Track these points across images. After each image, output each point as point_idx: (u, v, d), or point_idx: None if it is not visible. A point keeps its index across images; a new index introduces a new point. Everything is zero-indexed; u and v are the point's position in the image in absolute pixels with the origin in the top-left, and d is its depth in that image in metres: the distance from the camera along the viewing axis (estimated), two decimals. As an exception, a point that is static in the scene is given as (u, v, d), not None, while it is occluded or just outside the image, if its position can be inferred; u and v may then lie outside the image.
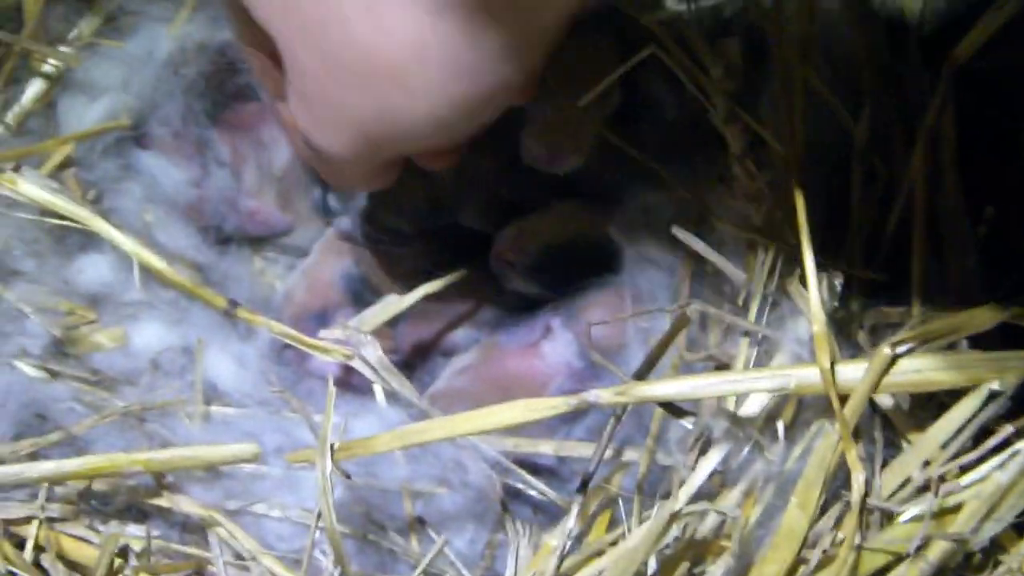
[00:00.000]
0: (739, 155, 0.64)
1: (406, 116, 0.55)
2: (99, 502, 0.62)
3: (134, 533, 0.61)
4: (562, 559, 0.57)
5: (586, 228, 0.72)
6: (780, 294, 0.60)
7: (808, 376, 0.53)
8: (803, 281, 0.57)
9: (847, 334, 0.59)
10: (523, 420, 0.54)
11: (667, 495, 0.58)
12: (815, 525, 0.53)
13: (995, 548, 0.54)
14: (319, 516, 0.58)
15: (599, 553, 0.58)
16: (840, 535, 0.53)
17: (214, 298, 0.66)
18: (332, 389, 0.57)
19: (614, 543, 0.58)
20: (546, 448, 0.63)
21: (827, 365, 0.53)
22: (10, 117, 0.72)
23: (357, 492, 0.62)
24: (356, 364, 0.65)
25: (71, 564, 0.59)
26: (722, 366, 0.61)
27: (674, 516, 0.53)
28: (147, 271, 0.66)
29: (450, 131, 0.57)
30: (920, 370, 0.52)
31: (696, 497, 0.56)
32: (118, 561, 0.59)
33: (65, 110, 0.72)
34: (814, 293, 0.54)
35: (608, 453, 0.59)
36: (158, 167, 0.71)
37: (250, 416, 0.65)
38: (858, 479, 0.52)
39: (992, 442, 0.53)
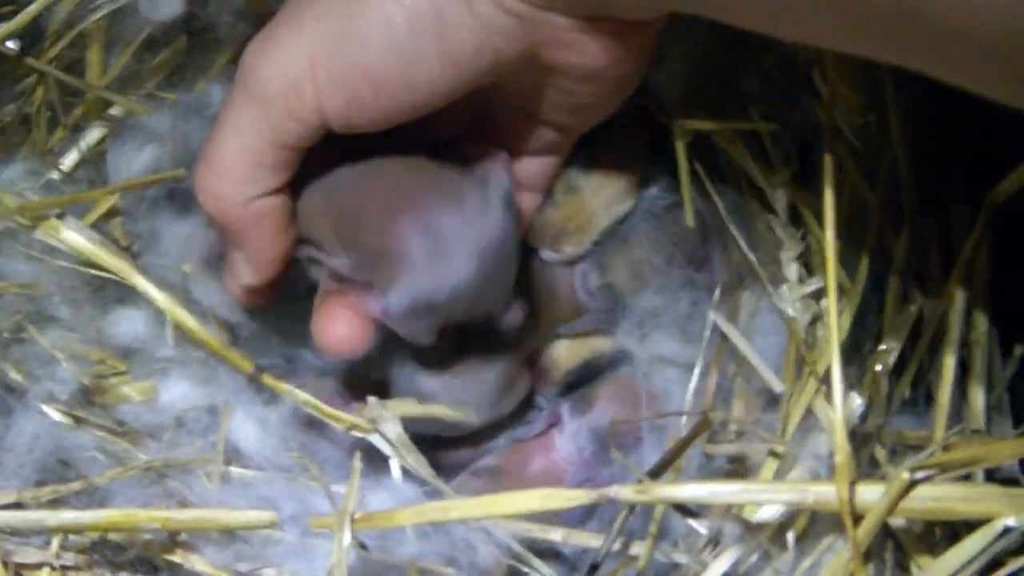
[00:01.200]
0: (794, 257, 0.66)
1: None
2: (112, 552, 0.62)
3: (144, 586, 0.62)
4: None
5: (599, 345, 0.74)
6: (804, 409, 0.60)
7: (826, 493, 0.53)
8: (828, 397, 0.57)
9: (866, 450, 0.60)
10: (541, 509, 0.55)
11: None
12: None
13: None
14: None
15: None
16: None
17: (241, 362, 0.66)
18: (358, 463, 0.57)
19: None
20: (556, 535, 0.63)
21: (846, 487, 0.53)
22: (66, 163, 0.73)
23: (366, 564, 0.62)
24: (375, 439, 0.66)
25: (82, 616, 0.60)
26: (735, 460, 0.62)
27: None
28: (180, 328, 0.67)
29: None
30: (937, 498, 0.53)
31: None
32: (127, 615, 0.60)
33: (114, 158, 0.73)
34: (839, 414, 0.54)
35: (616, 546, 0.59)
36: (195, 221, 0.72)
37: (268, 480, 0.65)
38: (867, 600, 0.53)
39: (1001, 574, 0.53)
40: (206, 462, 0.64)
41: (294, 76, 0.56)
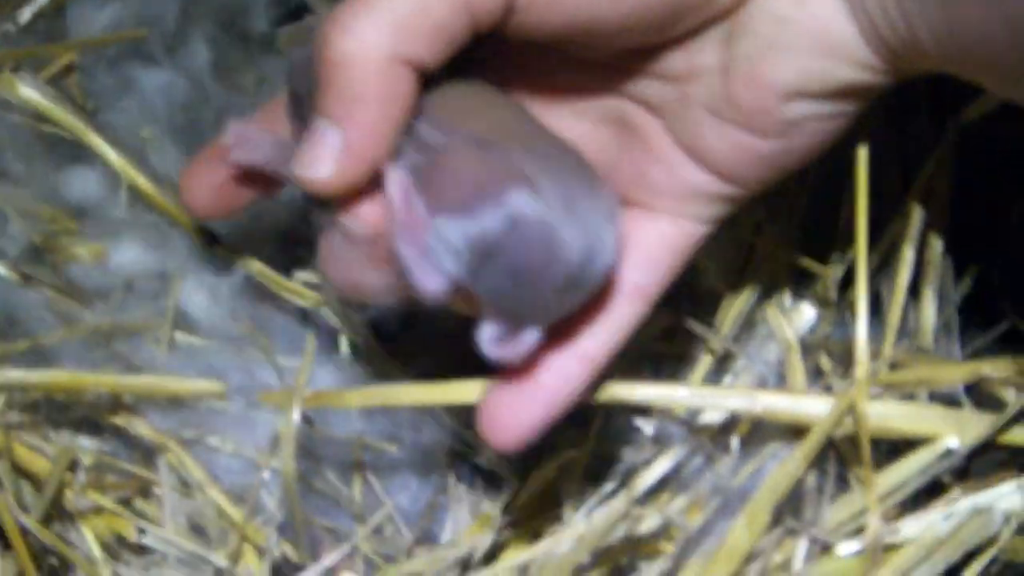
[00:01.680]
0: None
1: None
2: (56, 412, 0.62)
3: (87, 447, 0.62)
4: (499, 531, 0.58)
5: None
6: (755, 314, 0.61)
7: (775, 403, 0.54)
8: (780, 305, 0.58)
9: (812, 358, 0.61)
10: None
11: (614, 489, 0.59)
12: (757, 545, 0.55)
13: (924, 593, 0.56)
14: (270, 456, 0.59)
15: (537, 533, 0.59)
16: (778, 558, 0.55)
17: (195, 227, 0.66)
18: (312, 343, 0.57)
19: (550, 522, 0.59)
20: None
21: (795, 398, 0.54)
22: (23, 17, 0.71)
23: (309, 438, 0.62)
24: (325, 312, 0.66)
25: (23, 472, 0.60)
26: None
27: (624, 513, 0.54)
28: (134, 190, 0.66)
29: None
30: (884, 416, 0.54)
31: (643, 497, 0.58)
32: (67, 474, 0.60)
33: (74, 14, 0.71)
34: (790, 326, 0.55)
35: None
36: (158, 85, 0.71)
37: (216, 350, 0.65)
38: (807, 510, 0.54)
39: (940, 496, 0.54)
40: (155, 328, 0.64)
41: None
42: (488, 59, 0.50)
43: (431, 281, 0.43)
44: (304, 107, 0.48)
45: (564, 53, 0.49)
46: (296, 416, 0.56)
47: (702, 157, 0.49)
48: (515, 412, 0.48)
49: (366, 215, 0.45)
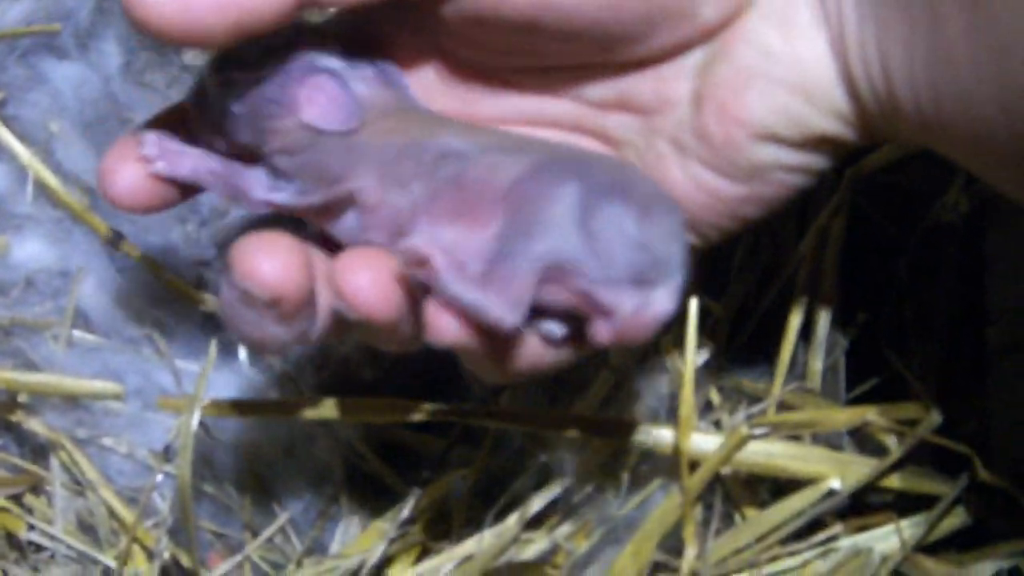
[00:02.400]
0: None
1: None
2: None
3: (-23, 441, 0.62)
4: (389, 543, 0.59)
5: None
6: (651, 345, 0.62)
7: (665, 437, 0.56)
8: (677, 342, 0.60)
9: (702, 393, 0.62)
10: (392, 418, 0.57)
11: (503, 509, 0.60)
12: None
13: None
14: (165, 459, 0.59)
15: (426, 549, 0.60)
16: (662, 588, 0.57)
17: (100, 225, 0.66)
18: (214, 350, 0.58)
19: (437, 539, 0.60)
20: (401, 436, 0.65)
21: (687, 437, 0.56)
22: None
23: (200, 443, 0.63)
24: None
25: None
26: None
27: (515, 536, 0.55)
28: (40, 185, 0.66)
29: None
30: (771, 455, 0.56)
31: (533, 521, 0.59)
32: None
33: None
34: (690, 364, 0.56)
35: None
36: (69, 79, 0.70)
37: (115, 350, 0.65)
38: (692, 545, 0.56)
39: (821, 535, 0.56)
40: (53, 325, 0.64)
41: None
42: (430, 89, 0.49)
43: (511, 314, 0.42)
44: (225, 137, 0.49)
45: (518, 69, 0.48)
46: (194, 423, 0.56)
47: None
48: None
49: (265, 276, 0.43)
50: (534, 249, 0.42)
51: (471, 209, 0.43)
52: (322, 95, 0.46)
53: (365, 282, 0.43)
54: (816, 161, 0.47)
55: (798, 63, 0.45)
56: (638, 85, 0.48)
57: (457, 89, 0.50)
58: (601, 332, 0.43)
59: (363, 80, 0.47)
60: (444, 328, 0.42)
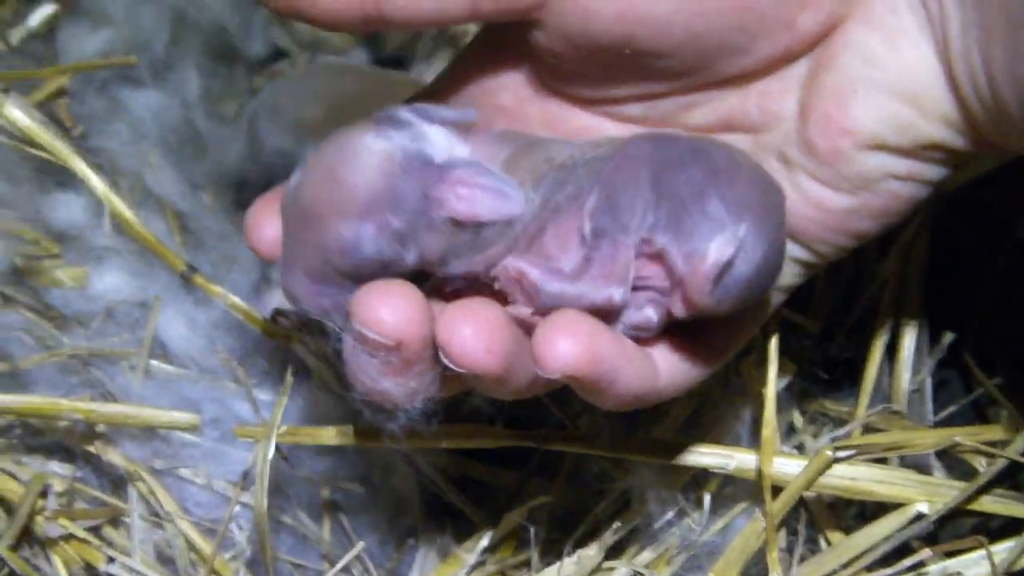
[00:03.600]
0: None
1: None
2: (30, 437, 0.62)
3: (59, 472, 0.62)
4: (468, 572, 0.59)
5: None
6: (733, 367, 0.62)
7: (747, 461, 0.55)
8: (759, 364, 0.59)
9: (785, 416, 0.61)
10: (467, 445, 0.56)
11: (583, 538, 0.59)
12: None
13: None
14: (242, 489, 0.59)
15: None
16: (747, 614, 0.56)
17: (174, 259, 0.66)
18: (290, 376, 0.58)
19: (517, 568, 0.60)
20: (476, 471, 0.64)
21: (770, 460, 0.54)
22: (14, 37, 0.71)
23: (278, 473, 0.62)
24: (299, 349, 0.66)
25: (-4, 497, 0.60)
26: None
27: (597, 565, 0.54)
28: (117, 218, 0.66)
29: None
30: (855, 478, 0.54)
31: (613, 549, 0.58)
32: (39, 500, 0.59)
33: (66, 37, 0.72)
34: (771, 386, 0.55)
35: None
36: (148, 108, 0.71)
37: (192, 380, 0.65)
38: (775, 571, 0.55)
39: (908, 561, 0.55)
40: (132, 355, 0.64)
41: None
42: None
43: (618, 288, 0.43)
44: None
45: (621, 99, 0.48)
46: (270, 451, 0.56)
47: None
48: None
49: (387, 322, 0.43)
50: (623, 222, 0.43)
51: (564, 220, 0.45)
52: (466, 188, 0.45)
53: (468, 333, 0.42)
54: (927, 170, 0.47)
55: (904, 69, 0.45)
56: (743, 104, 0.48)
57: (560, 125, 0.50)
58: (675, 304, 0.44)
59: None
60: (557, 356, 0.41)
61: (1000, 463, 0.55)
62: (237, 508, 0.60)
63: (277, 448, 0.57)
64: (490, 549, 0.60)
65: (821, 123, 0.46)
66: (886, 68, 0.45)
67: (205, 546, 0.60)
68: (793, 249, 0.48)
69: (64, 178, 0.67)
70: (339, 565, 0.60)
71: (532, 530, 0.59)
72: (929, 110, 0.45)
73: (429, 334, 0.43)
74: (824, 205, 0.47)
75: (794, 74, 0.47)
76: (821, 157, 0.46)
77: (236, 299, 0.66)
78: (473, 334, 0.42)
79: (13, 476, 0.60)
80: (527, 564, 0.60)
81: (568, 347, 0.41)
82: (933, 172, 0.47)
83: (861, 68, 0.45)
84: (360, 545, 0.61)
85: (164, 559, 0.62)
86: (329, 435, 0.57)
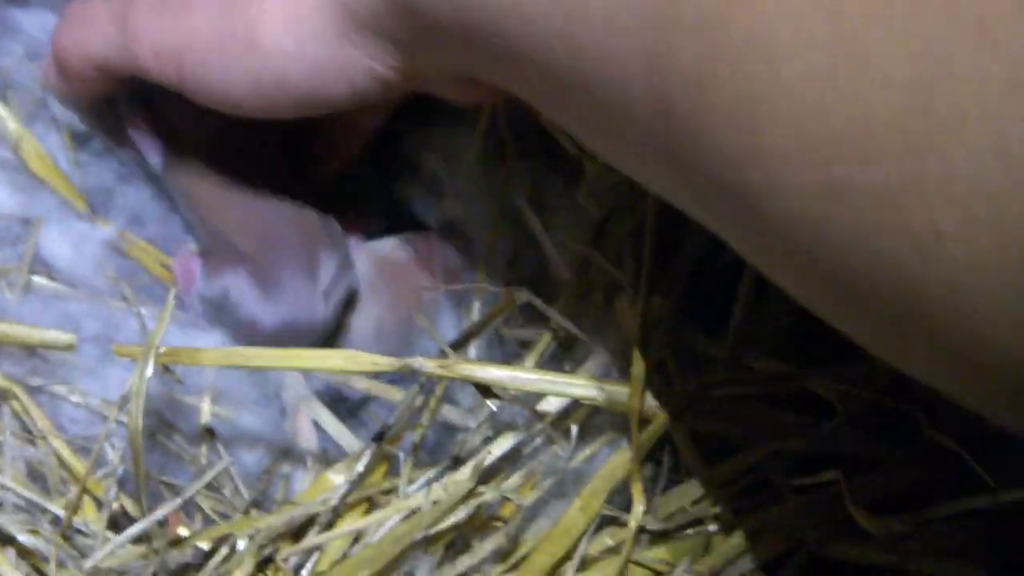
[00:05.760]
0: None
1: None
2: None
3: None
4: (345, 496, 0.59)
5: None
6: (604, 302, 0.63)
7: (619, 393, 0.56)
8: (632, 301, 0.60)
9: (657, 353, 0.62)
10: (345, 369, 0.57)
11: (454, 461, 0.60)
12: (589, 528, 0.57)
13: (743, 582, 0.59)
14: (119, 409, 0.59)
15: (376, 503, 0.60)
16: (610, 542, 0.57)
17: (76, 197, 0.67)
18: (172, 297, 0.58)
19: (385, 493, 0.60)
20: (358, 384, 0.65)
21: (639, 393, 0.56)
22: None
23: (158, 392, 0.63)
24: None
25: None
26: (524, 344, 0.65)
27: (470, 492, 0.55)
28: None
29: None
30: (721, 413, 0.56)
31: (482, 475, 0.59)
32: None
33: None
34: (636, 317, 0.57)
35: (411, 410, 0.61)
36: (44, 27, 0.70)
37: (75, 298, 0.65)
38: (639, 501, 0.56)
39: (768, 494, 0.57)
40: (10, 272, 0.64)
41: None
42: None
43: None
44: None
45: None
46: (148, 370, 0.57)
47: None
48: None
49: None
50: None
51: None
52: None
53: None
54: None
55: None
56: None
57: None
58: None
59: None
60: None
61: (859, 401, 0.57)
62: (113, 427, 0.60)
63: (166, 368, 0.58)
64: (363, 475, 0.61)
65: None
66: None
67: (77, 464, 0.61)
68: None
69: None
70: (203, 480, 0.60)
71: (401, 456, 0.60)
72: None
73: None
74: None
75: None
76: None
77: (132, 235, 0.66)
78: None
79: None
80: (397, 491, 0.61)
81: None
82: None
83: None
84: (226, 460, 0.61)
85: (35, 476, 0.62)
86: (210, 356, 0.58)
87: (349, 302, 0.69)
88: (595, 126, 0.45)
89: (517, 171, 0.70)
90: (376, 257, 0.71)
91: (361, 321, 0.70)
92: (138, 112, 0.67)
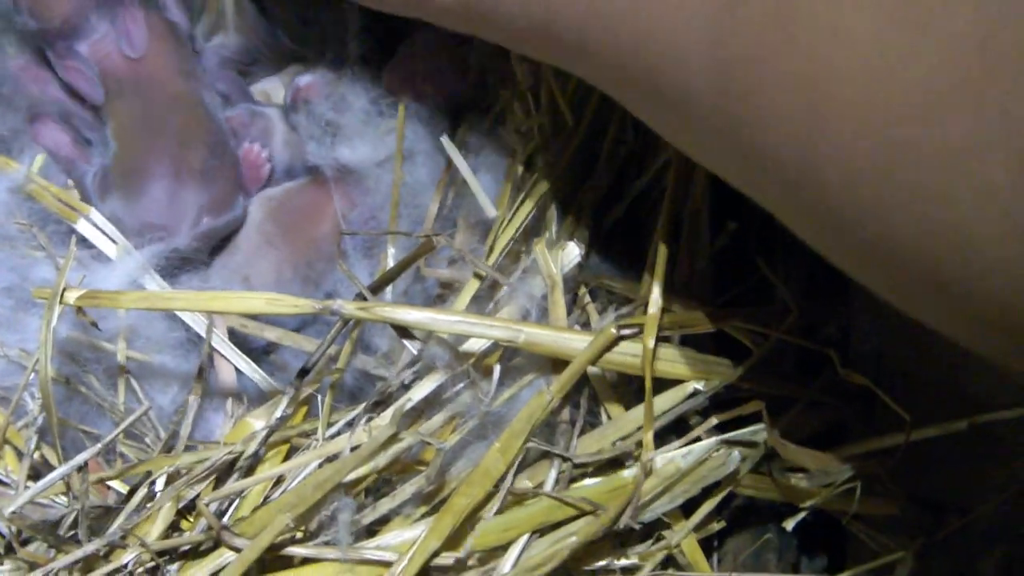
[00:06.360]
0: (525, 88, 0.68)
1: None
2: None
3: None
4: (265, 439, 0.59)
5: None
6: (523, 245, 0.63)
7: (538, 335, 0.57)
8: (550, 245, 0.60)
9: (573, 294, 0.63)
10: (265, 311, 0.57)
11: (374, 405, 0.60)
12: (509, 470, 0.57)
13: (661, 524, 0.59)
14: (37, 360, 0.59)
15: (295, 447, 0.61)
16: (529, 483, 0.57)
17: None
18: (74, 243, 0.58)
19: (305, 436, 0.61)
20: (270, 335, 0.65)
21: (557, 333, 0.57)
22: None
23: (76, 338, 0.62)
24: (81, 227, 0.65)
25: None
26: (446, 285, 0.65)
27: (391, 437, 0.55)
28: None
29: None
30: (638, 355, 0.56)
31: (404, 419, 0.59)
32: None
33: None
34: (556, 261, 0.57)
35: (330, 352, 0.61)
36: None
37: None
38: (559, 441, 0.57)
39: (685, 436, 0.58)
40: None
41: None
42: None
43: None
44: None
45: None
46: (55, 315, 0.57)
47: None
48: None
49: None
50: None
51: None
52: None
53: None
54: None
55: None
56: None
57: None
58: None
59: None
60: None
61: (772, 341, 0.57)
62: (32, 377, 0.60)
63: (80, 310, 0.58)
64: (284, 418, 0.61)
65: None
66: None
67: (-4, 415, 0.60)
68: None
69: None
70: (122, 426, 0.60)
71: (319, 398, 0.60)
72: None
73: None
74: None
75: None
76: None
77: (37, 177, 0.66)
78: None
79: None
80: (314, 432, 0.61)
81: None
82: None
83: None
84: (146, 406, 0.61)
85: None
86: (127, 299, 0.58)
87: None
88: (656, 103, 0.45)
89: (438, 109, 0.71)
90: (272, 204, 0.71)
91: (262, 267, 0.70)
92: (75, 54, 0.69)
